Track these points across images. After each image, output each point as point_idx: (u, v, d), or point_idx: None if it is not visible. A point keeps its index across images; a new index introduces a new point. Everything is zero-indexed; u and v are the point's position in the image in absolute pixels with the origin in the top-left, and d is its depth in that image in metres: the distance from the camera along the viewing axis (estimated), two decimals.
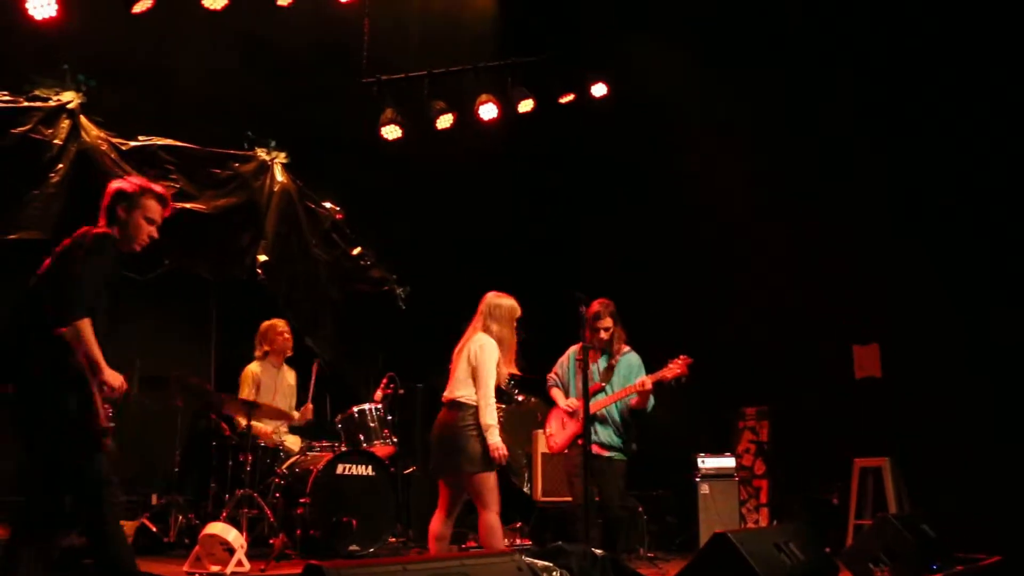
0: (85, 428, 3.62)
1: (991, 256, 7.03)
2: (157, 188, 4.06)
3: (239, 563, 5.29)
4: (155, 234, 4.02)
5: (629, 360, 5.88)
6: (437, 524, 5.06)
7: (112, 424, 3.70)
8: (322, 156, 8.06)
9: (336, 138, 7.94)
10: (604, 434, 5.73)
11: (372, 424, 6.69)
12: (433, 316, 7.18)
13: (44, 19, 5.64)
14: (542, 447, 7.36)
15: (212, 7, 6.42)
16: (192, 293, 7.59)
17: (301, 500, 5.98)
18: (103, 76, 6.73)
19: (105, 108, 6.75)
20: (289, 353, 7.09)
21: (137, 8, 5.96)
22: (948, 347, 7.11)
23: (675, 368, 5.66)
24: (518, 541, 7.34)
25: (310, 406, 6.80)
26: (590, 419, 5.43)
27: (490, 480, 4.89)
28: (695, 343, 6.00)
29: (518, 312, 5.18)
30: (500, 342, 5.03)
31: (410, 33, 7.93)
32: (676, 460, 7.65)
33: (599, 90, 8.28)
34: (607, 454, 5.72)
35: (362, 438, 6.60)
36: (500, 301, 5.16)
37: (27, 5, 5.58)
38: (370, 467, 6.31)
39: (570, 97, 8.30)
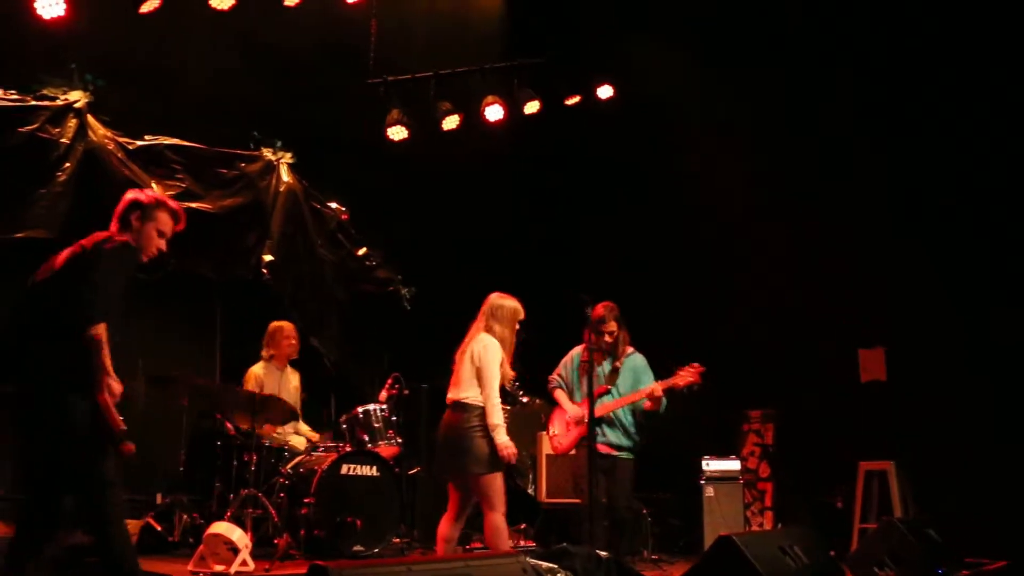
0: (94, 431, 3.62)
1: (991, 256, 7.03)
2: (172, 204, 4.11)
3: (243, 563, 5.29)
4: (164, 247, 4.07)
5: (634, 361, 5.88)
6: (446, 526, 5.06)
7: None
8: (328, 156, 8.07)
9: (342, 139, 7.95)
10: (612, 435, 5.72)
11: (377, 424, 6.69)
12: (438, 316, 7.18)
13: (52, 19, 5.64)
14: (546, 448, 7.35)
15: (219, 7, 6.43)
16: (197, 293, 7.59)
17: (305, 500, 5.98)
18: (110, 76, 6.75)
19: (112, 107, 6.77)
20: (294, 356, 7.10)
21: (144, 8, 5.97)
22: (953, 350, 7.09)
23: (687, 376, 5.64)
24: (522, 542, 7.34)
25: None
26: (597, 421, 5.42)
27: (497, 481, 4.89)
28: (700, 345, 6.00)
29: (521, 314, 5.18)
30: (501, 343, 5.03)
31: (416, 34, 7.93)
32: (680, 463, 7.63)
33: (605, 92, 8.27)
34: (615, 453, 5.71)
35: (367, 438, 6.60)
36: (503, 302, 5.16)
37: (35, 5, 5.59)
38: (375, 467, 6.31)
39: (576, 99, 8.30)
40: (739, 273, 8.30)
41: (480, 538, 7.05)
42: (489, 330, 5.07)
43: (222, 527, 5.38)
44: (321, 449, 6.61)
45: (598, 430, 5.50)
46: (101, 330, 3.61)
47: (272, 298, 7.65)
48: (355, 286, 8.39)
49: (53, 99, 6.47)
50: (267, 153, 7.74)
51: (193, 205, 6.99)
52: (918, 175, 7.40)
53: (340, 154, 8.08)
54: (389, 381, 6.93)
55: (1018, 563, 5.79)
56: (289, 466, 6.41)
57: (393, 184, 8.21)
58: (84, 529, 4.08)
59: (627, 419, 5.78)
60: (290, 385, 7.01)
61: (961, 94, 7.17)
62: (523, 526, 7.62)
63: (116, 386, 3.70)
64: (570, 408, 5.86)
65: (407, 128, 7.61)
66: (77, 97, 6.56)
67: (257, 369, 6.91)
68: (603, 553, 4.77)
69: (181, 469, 6.89)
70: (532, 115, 8.06)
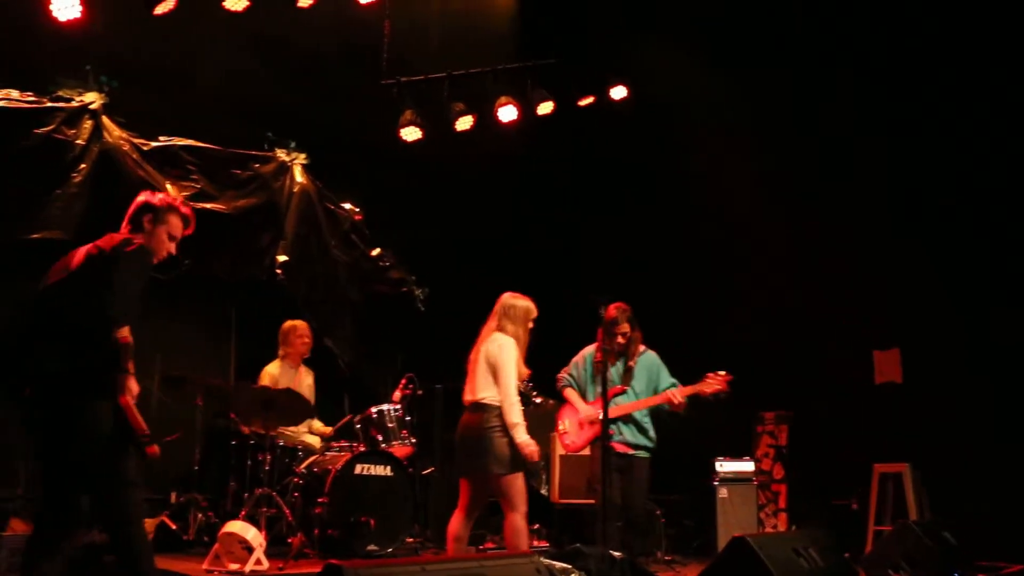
0: (115, 432, 3.64)
1: (991, 256, 7.00)
2: (184, 209, 4.12)
3: (258, 561, 5.31)
4: (173, 250, 4.08)
5: (648, 360, 5.83)
6: (456, 524, 5.05)
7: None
8: (342, 157, 8.09)
9: (356, 140, 7.97)
10: (628, 432, 5.67)
11: (391, 424, 6.70)
12: (452, 317, 7.18)
13: (68, 20, 5.67)
14: (560, 449, 7.35)
15: (233, 9, 6.45)
16: (212, 293, 7.63)
17: (319, 500, 6.00)
18: (125, 77, 6.79)
19: (127, 109, 6.81)
20: (307, 355, 7.12)
21: (159, 9, 5.99)
22: (968, 351, 7.05)
23: (714, 384, 5.59)
24: (536, 543, 7.33)
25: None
26: (612, 421, 5.40)
27: (518, 481, 4.88)
28: (715, 346, 5.97)
29: (534, 313, 5.18)
30: (515, 342, 5.03)
31: (430, 35, 7.95)
32: (694, 464, 7.61)
33: (618, 92, 8.26)
34: (632, 452, 5.67)
35: (380, 438, 6.61)
36: (515, 302, 5.16)
37: (51, 7, 5.63)
38: (388, 467, 6.32)
39: (590, 99, 8.29)
40: (750, 274, 8.27)
41: (493, 538, 7.06)
42: (502, 330, 5.07)
43: (237, 526, 5.40)
44: (335, 449, 6.63)
45: (614, 428, 5.49)
46: (127, 332, 3.63)
47: (286, 299, 7.68)
48: (369, 287, 8.41)
49: (69, 100, 6.51)
50: (281, 154, 7.77)
51: (207, 206, 7.04)
52: (918, 175, 7.37)
53: (354, 155, 8.10)
54: (403, 381, 6.94)
55: None
56: (303, 465, 6.43)
57: (407, 185, 8.23)
58: (101, 528, 4.10)
59: (644, 419, 5.75)
60: (304, 383, 7.04)
61: (961, 94, 7.14)
62: (536, 526, 7.61)
63: (135, 387, 3.72)
64: (583, 408, 5.81)
65: (421, 129, 7.62)
66: (92, 98, 6.60)
67: (272, 368, 6.94)
68: (617, 554, 4.76)
69: (196, 468, 6.92)
70: (545, 116, 8.06)
